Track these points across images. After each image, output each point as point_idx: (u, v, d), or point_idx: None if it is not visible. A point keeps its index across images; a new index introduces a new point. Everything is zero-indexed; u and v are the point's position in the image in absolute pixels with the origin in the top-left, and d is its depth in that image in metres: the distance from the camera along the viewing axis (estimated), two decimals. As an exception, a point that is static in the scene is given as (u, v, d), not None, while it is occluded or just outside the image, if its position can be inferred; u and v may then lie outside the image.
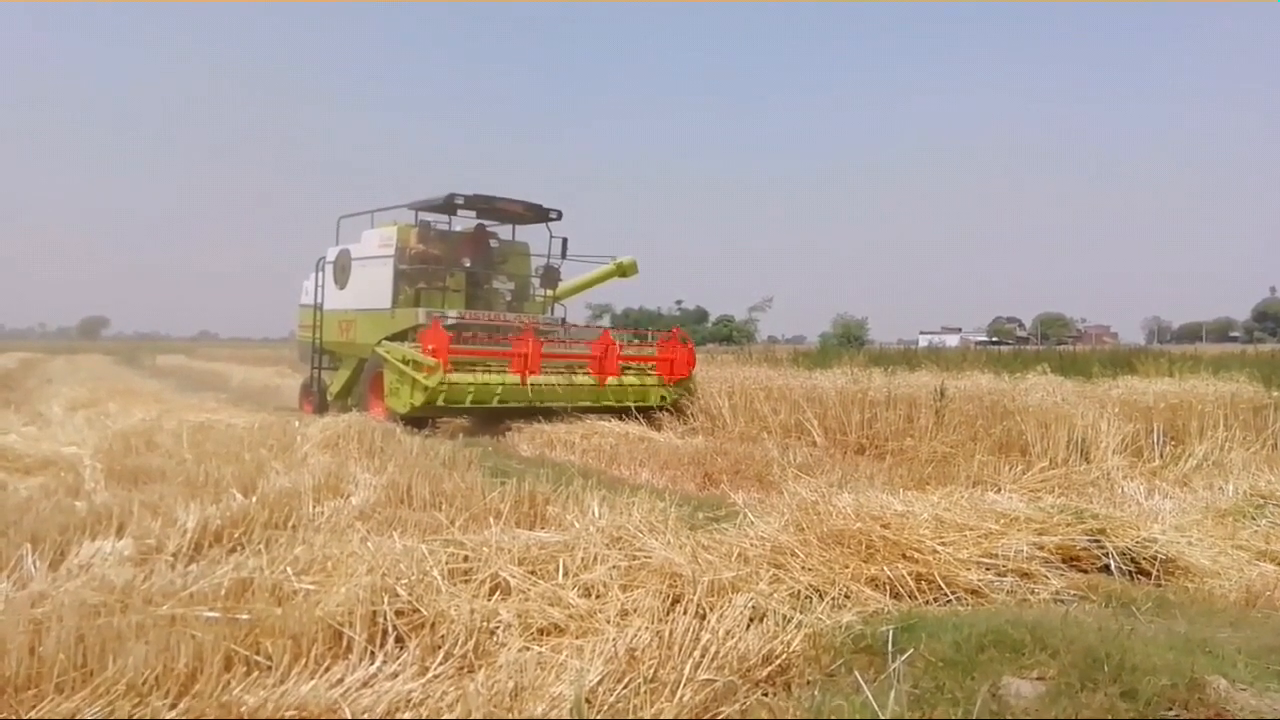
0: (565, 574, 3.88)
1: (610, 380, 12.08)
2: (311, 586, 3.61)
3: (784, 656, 3.11)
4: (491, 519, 4.99)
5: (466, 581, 3.78)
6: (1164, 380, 10.03)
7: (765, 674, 3.02)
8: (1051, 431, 8.47)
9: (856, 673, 2.94)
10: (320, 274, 14.31)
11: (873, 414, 9.95)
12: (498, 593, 3.73)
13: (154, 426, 8.68)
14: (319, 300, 14.12)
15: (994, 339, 77.87)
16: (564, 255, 13.88)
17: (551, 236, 13.73)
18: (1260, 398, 9.03)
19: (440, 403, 10.59)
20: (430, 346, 10.57)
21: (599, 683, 2.85)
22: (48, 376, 22.60)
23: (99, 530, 4.73)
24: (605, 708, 2.75)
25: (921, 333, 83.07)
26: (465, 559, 3.97)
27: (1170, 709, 2.61)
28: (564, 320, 14.64)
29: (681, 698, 2.77)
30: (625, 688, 2.83)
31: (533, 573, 3.90)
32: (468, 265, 13.28)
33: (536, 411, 11.21)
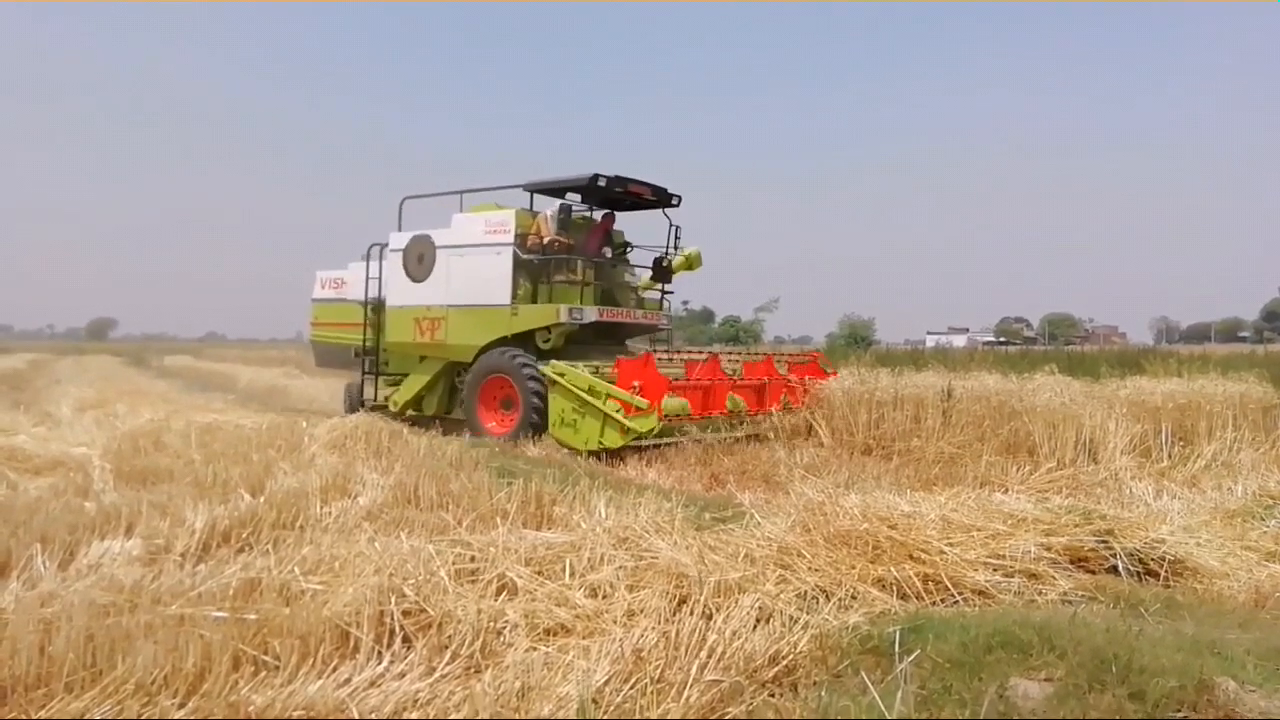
0: (572, 574, 3.89)
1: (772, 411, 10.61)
2: (319, 587, 3.62)
3: (790, 657, 3.11)
4: (498, 519, 4.99)
5: (473, 582, 3.79)
6: (1172, 380, 9.98)
7: (772, 675, 3.02)
8: (1059, 432, 8.43)
9: (863, 673, 2.94)
10: (378, 264, 12.53)
11: (880, 414, 9.92)
12: (505, 593, 3.74)
13: (162, 427, 8.72)
14: (374, 295, 12.50)
15: (1001, 339, 77.55)
16: (677, 245, 12.11)
17: (671, 225, 12.04)
18: (1269, 398, 8.99)
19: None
20: (637, 383, 8.96)
21: (606, 683, 2.86)
22: (56, 377, 22.70)
23: (108, 530, 4.76)
24: (612, 708, 2.75)
25: (928, 333, 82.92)
26: (472, 559, 3.98)
27: (1179, 710, 2.60)
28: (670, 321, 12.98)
29: (688, 698, 2.77)
30: (632, 688, 2.83)
31: (539, 573, 3.91)
32: (609, 256, 11.76)
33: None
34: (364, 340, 12.74)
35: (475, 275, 11.16)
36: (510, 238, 10.88)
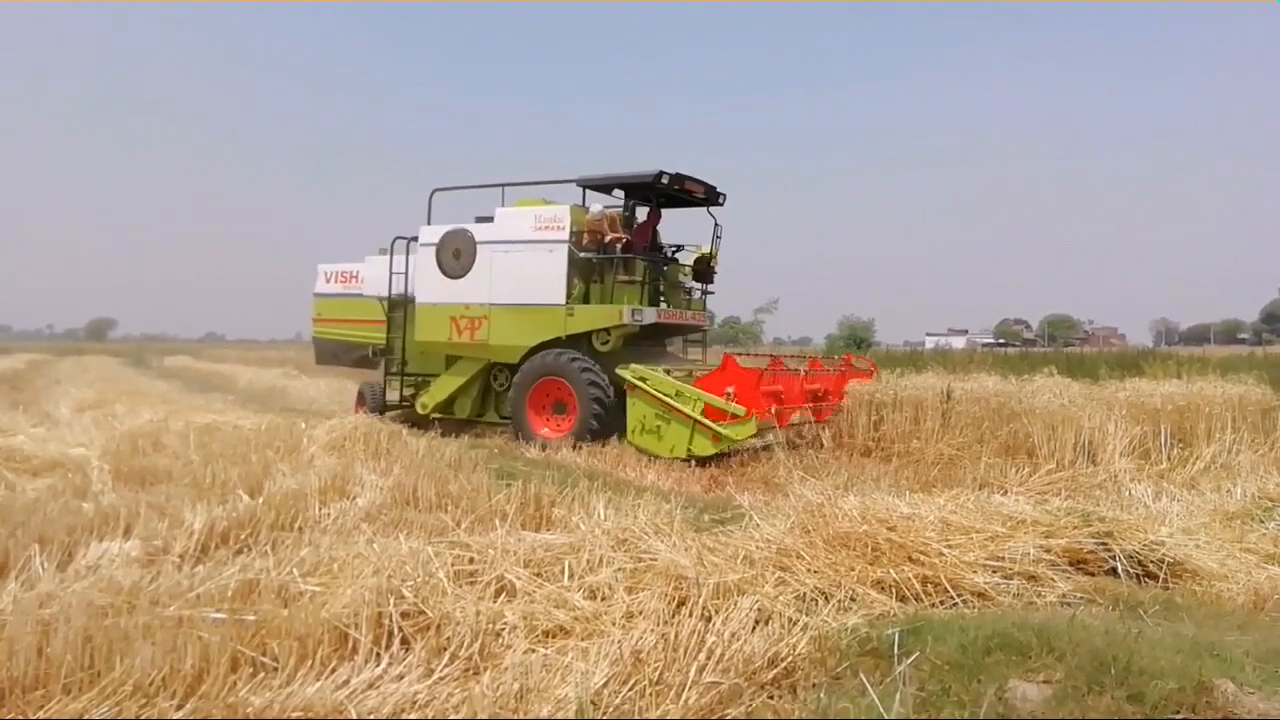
0: (571, 576, 3.89)
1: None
2: (317, 588, 3.62)
3: (789, 659, 3.11)
4: (497, 521, 4.99)
5: (472, 583, 3.78)
6: (1171, 382, 9.99)
7: (771, 676, 3.02)
8: (1058, 434, 8.44)
9: (862, 675, 2.94)
10: (405, 259, 11.96)
11: (879, 416, 9.92)
12: (503, 595, 3.74)
13: (161, 428, 8.72)
14: (400, 290, 11.95)
15: (1001, 341, 77.60)
16: (717, 244, 11.71)
17: (716, 224, 11.66)
18: (1268, 400, 8.99)
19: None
20: (730, 389, 8.58)
21: (604, 685, 2.86)
22: (55, 378, 22.72)
23: (106, 531, 4.76)
24: (610, 710, 2.75)
25: (928, 334, 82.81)
26: (471, 561, 3.98)
27: (1178, 712, 2.60)
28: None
29: (687, 700, 2.77)
30: (631, 690, 2.83)
31: (538, 575, 3.90)
32: (674, 254, 11.40)
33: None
34: (387, 338, 12.18)
35: (524, 273, 10.69)
36: (565, 234, 10.48)
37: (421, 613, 3.37)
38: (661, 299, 11.38)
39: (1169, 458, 8.28)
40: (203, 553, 4.51)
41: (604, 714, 2.73)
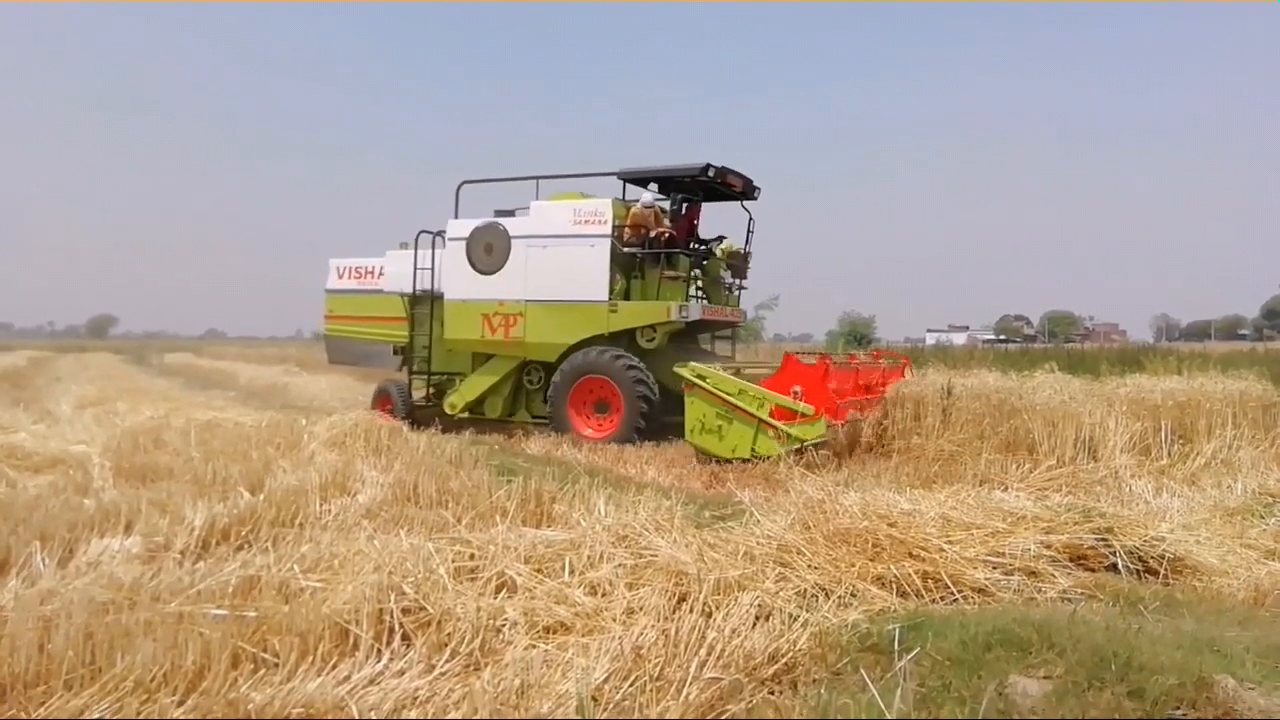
0: (571, 572, 3.89)
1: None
2: (318, 584, 3.62)
3: (790, 655, 3.11)
4: (498, 517, 5.00)
5: (473, 580, 3.79)
6: (1172, 378, 9.96)
7: (771, 672, 3.02)
8: (1059, 430, 8.42)
9: (863, 671, 2.94)
10: (431, 253, 11.63)
11: (880, 412, 9.91)
12: (504, 591, 3.74)
13: (162, 425, 8.72)
14: (425, 286, 11.64)
15: (1001, 337, 77.57)
16: (750, 239, 11.46)
17: (750, 218, 11.42)
18: (1269, 396, 8.97)
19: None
20: (797, 388, 8.34)
21: (605, 681, 2.86)
22: (56, 375, 22.74)
23: (107, 528, 4.76)
24: (611, 706, 2.75)
25: (928, 331, 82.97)
26: (472, 557, 3.98)
27: (1178, 708, 2.60)
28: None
29: (687, 696, 2.77)
30: (631, 686, 2.83)
31: (539, 571, 3.91)
32: (725, 249, 11.06)
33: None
34: (410, 336, 11.85)
35: (563, 268, 10.40)
36: (607, 229, 10.20)
37: (422, 609, 3.37)
38: (701, 294, 11.14)
39: (1169, 454, 8.27)
40: (203, 549, 4.51)
41: (604, 710, 2.73)
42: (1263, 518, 5.66)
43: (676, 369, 9.15)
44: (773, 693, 2.93)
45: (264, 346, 48.42)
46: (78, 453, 7.36)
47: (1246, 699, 2.61)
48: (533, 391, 11.30)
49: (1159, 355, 12.99)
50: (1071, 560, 4.37)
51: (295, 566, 3.83)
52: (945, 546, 4.13)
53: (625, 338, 10.23)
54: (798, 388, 8.34)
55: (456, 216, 11.41)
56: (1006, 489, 6.32)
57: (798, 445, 8.16)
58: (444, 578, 3.64)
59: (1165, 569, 4.49)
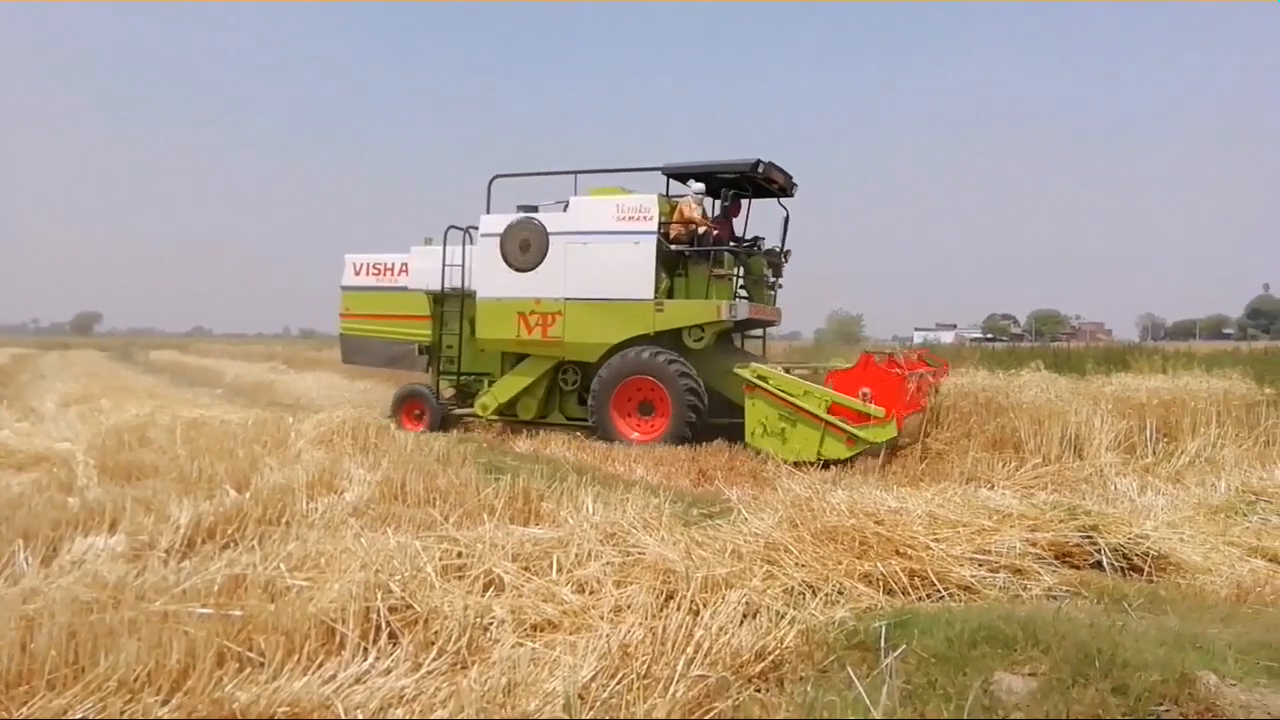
0: (559, 570, 3.89)
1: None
2: (305, 583, 3.60)
3: (777, 652, 3.12)
4: (486, 515, 4.99)
5: (460, 578, 3.78)
6: (1157, 377, 10.03)
7: (758, 670, 3.03)
8: (1045, 428, 8.48)
9: (849, 669, 2.95)
10: (462, 249, 11.32)
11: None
12: (491, 589, 3.74)
13: (147, 422, 8.65)
14: (454, 283, 11.30)
15: (988, 335, 78.02)
16: (785, 236, 11.16)
17: (788, 215, 11.13)
18: (1253, 394, 9.06)
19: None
20: (865, 390, 8.12)
21: (592, 679, 2.86)
22: (41, 372, 22.57)
23: (91, 526, 4.73)
24: (598, 704, 2.75)
25: (916, 329, 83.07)
26: (459, 555, 3.98)
27: (1161, 704, 2.62)
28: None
29: (674, 694, 2.77)
30: (618, 684, 2.83)
31: (526, 569, 3.90)
32: (756, 246, 10.87)
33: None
34: (440, 335, 11.51)
35: (606, 266, 10.11)
36: (653, 225, 9.93)
37: (409, 607, 3.36)
38: (744, 293, 10.94)
39: (1154, 452, 8.34)
40: (189, 548, 4.48)
41: (591, 708, 2.73)
42: (1245, 515, 5.72)
43: (737, 369, 8.97)
44: (759, 690, 2.94)
45: (251, 344, 48.18)
46: (62, 450, 7.29)
47: (1228, 695, 2.63)
48: (568, 392, 11.05)
49: (1144, 354, 13.05)
50: (1057, 558, 4.40)
51: (281, 565, 3.81)
52: (932, 544, 4.15)
53: (668, 338, 10.02)
54: (866, 390, 8.14)
55: (489, 211, 11.11)
56: (993, 487, 6.37)
57: (867, 448, 8.01)
58: (431, 576, 3.64)
59: (1149, 566, 4.53)
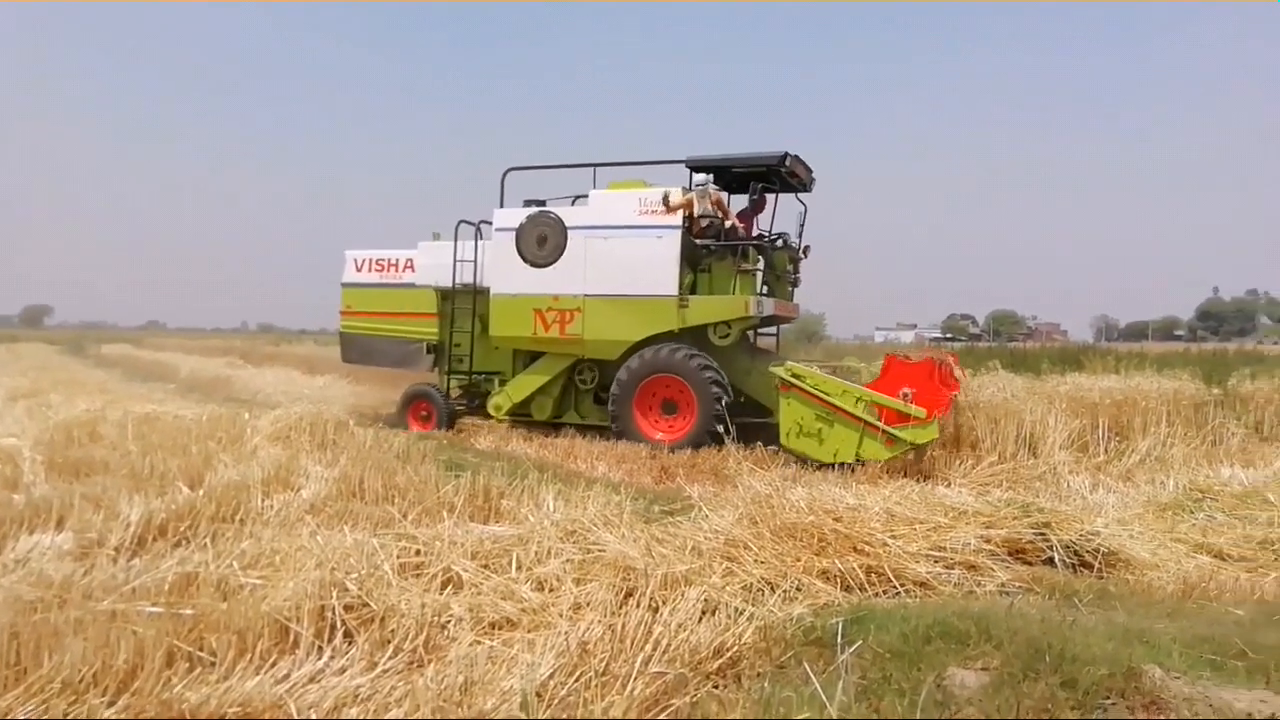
0: (519, 568, 3.87)
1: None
2: (258, 581, 3.55)
3: (735, 649, 3.13)
4: (445, 513, 4.94)
5: (418, 576, 3.75)
6: (1110, 377, 10.26)
7: (716, 666, 3.04)
8: (1001, 427, 8.61)
9: (806, 664, 2.97)
10: (473, 244, 11.03)
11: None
12: (450, 587, 3.71)
13: (98, 417, 8.44)
14: (466, 279, 10.99)
15: (948, 335, 79.22)
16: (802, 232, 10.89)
17: (805, 209, 10.89)
18: (1201, 395, 9.30)
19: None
20: (907, 390, 7.88)
21: (550, 676, 2.85)
22: (-13, 365, 21.90)
23: (37, 524, 4.62)
24: (556, 702, 2.74)
25: (877, 328, 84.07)
26: (417, 553, 3.94)
27: (1108, 698, 2.68)
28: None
29: (632, 691, 2.77)
30: (576, 681, 2.83)
31: (486, 566, 3.88)
32: (779, 241, 10.59)
33: None
34: (450, 332, 11.18)
35: (627, 261, 9.80)
36: (676, 219, 9.69)
37: (365, 605, 3.33)
38: (766, 289, 10.77)
39: (1106, 450, 8.52)
40: (139, 546, 4.39)
41: (549, 706, 2.72)
42: (1192, 513, 5.86)
43: (772, 368, 8.68)
44: (717, 686, 2.95)
45: (208, 339, 47.22)
46: (7, 446, 7.07)
47: (1172, 688, 2.70)
48: (584, 392, 10.77)
49: (1098, 355, 13.33)
50: (1010, 554, 4.48)
51: (235, 563, 3.75)
52: (889, 541, 4.20)
53: (691, 334, 9.77)
54: (908, 390, 7.92)
55: (502, 205, 10.80)
56: (950, 485, 6.46)
57: (905, 450, 7.81)
58: (388, 574, 3.60)
59: (1100, 563, 4.63)
